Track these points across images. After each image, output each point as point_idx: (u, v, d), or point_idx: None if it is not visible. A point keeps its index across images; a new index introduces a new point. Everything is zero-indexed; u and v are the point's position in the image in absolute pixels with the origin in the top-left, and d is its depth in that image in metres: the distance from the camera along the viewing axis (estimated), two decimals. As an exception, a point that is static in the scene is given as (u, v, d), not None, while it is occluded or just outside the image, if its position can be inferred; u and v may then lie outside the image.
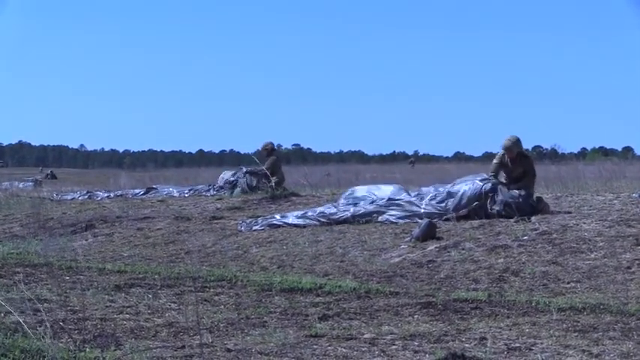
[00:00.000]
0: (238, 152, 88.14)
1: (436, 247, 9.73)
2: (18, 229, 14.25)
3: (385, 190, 12.49)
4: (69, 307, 6.80)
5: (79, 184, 31.70)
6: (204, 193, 18.96)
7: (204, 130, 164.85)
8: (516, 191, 11.31)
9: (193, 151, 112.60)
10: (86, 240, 12.70)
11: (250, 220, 12.58)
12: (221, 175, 19.39)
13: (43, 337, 5.41)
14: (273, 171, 17.77)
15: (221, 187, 18.72)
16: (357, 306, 7.03)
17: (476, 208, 11.22)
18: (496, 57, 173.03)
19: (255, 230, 11.91)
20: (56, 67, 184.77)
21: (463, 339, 5.72)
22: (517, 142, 11.81)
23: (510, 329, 6.02)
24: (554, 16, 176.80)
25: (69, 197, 20.96)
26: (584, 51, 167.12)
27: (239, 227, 12.20)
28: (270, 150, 18.53)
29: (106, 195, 20.96)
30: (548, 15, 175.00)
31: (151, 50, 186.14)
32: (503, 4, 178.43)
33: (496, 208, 11.17)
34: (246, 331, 6.08)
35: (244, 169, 18.49)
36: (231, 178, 18.83)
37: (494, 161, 11.97)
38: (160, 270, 9.18)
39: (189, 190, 19.75)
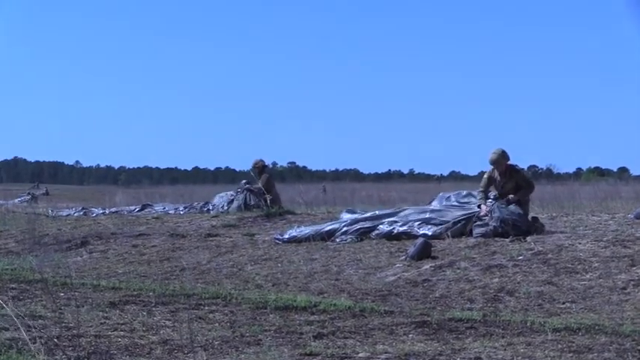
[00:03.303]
0: (234, 170, 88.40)
1: (431, 266, 9.73)
2: (13, 245, 14.23)
3: None
4: (63, 324, 6.78)
5: (74, 201, 31.72)
6: (200, 209, 18.93)
7: (199, 147, 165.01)
8: (512, 207, 11.29)
9: (189, 168, 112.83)
10: (81, 256, 12.68)
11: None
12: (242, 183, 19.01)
13: (37, 353, 5.40)
14: (267, 188, 17.65)
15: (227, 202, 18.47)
16: (352, 325, 7.02)
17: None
18: (490, 76, 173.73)
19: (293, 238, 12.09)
20: (51, 82, 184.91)
21: (458, 359, 5.70)
22: (503, 153, 11.66)
23: (505, 349, 6.01)
24: (548, 36, 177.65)
25: (64, 213, 20.99)
26: (580, 70, 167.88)
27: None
28: (261, 168, 18.28)
29: (101, 211, 21.00)
30: (542, 35, 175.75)
31: (146, 66, 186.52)
32: (496, 22, 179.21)
33: (493, 224, 11.15)
34: (240, 349, 6.06)
35: (244, 184, 18.26)
36: (233, 192, 18.64)
37: (484, 176, 11.95)
38: (154, 287, 9.15)
39: (185, 208, 19.75)
